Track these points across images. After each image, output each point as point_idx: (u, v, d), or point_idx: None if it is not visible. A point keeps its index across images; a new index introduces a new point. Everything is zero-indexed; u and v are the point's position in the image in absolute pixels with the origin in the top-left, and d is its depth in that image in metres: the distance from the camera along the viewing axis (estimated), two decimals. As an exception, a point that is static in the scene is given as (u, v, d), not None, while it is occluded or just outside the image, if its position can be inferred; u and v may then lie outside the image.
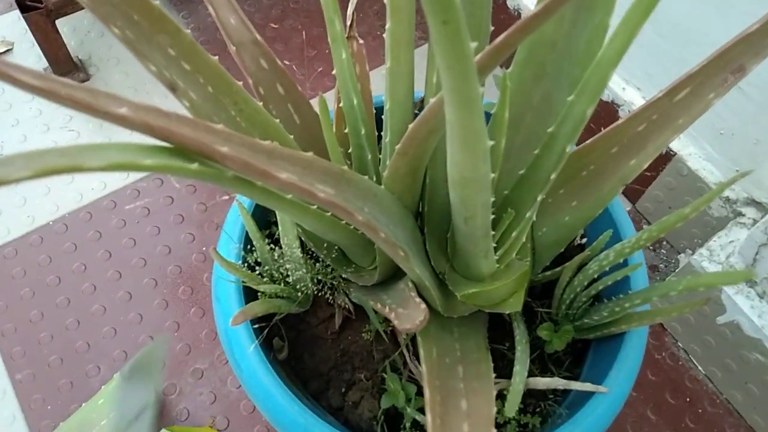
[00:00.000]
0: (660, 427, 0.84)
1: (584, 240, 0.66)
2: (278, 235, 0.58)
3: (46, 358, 0.88)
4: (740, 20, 0.73)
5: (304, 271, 0.54)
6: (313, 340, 0.62)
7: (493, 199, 0.39)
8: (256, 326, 0.55)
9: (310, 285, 0.56)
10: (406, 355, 0.59)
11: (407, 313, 0.40)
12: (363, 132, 0.50)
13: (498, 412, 0.51)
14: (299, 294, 0.57)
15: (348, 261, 0.59)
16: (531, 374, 0.57)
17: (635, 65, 0.89)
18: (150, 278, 0.95)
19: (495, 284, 0.51)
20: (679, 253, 0.94)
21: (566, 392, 0.58)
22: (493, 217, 0.43)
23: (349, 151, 0.53)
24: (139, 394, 0.45)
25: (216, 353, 0.88)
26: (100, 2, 0.36)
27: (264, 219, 0.65)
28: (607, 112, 0.96)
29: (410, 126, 0.39)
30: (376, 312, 0.58)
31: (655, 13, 0.33)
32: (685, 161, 0.85)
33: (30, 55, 1.18)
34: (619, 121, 0.49)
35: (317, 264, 0.61)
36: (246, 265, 0.59)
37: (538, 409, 0.58)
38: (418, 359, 0.59)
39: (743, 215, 0.81)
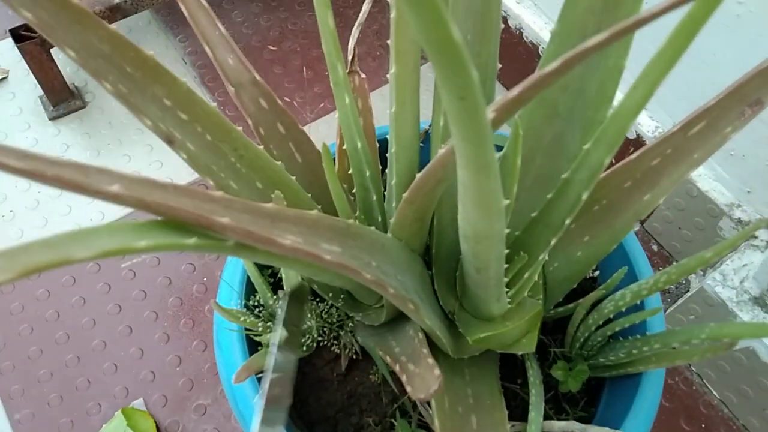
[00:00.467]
0: (676, 456, 0.82)
1: (596, 273, 0.64)
2: (281, 274, 0.56)
3: (46, 397, 0.86)
4: (751, 41, 0.71)
5: (310, 315, 0.53)
6: (319, 382, 0.60)
7: (508, 250, 0.37)
8: (259, 375, 0.54)
9: (315, 332, 0.54)
10: (416, 397, 0.57)
11: (419, 374, 0.38)
12: (368, 174, 0.48)
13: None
14: (304, 338, 0.55)
15: (354, 301, 0.58)
16: (546, 416, 0.55)
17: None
18: (150, 311, 0.93)
19: (507, 326, 0.49)
20: (690, 275, 0.92)
21: (582, 434, 0.56)
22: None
23: (353, 190, 0.51)
24: None
25: (219, 388, 0.86)
26: (90, 56, 0.35)
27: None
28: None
29: (418, 176, 0.38)
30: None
31: (660, 31, 0.31)
32: (694, 182, 0.84)
33: (25, 83, 1.17)
34: (633, 155, 0.47)
35: (321, 304, 0.59)
36: (248, 308, 0.57)
37: (554, 453, 0.56)
38: (428, 401, 0.57)
39: (756, 237, 0.79)
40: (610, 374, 0.55)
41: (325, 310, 0.59)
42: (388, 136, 0.47)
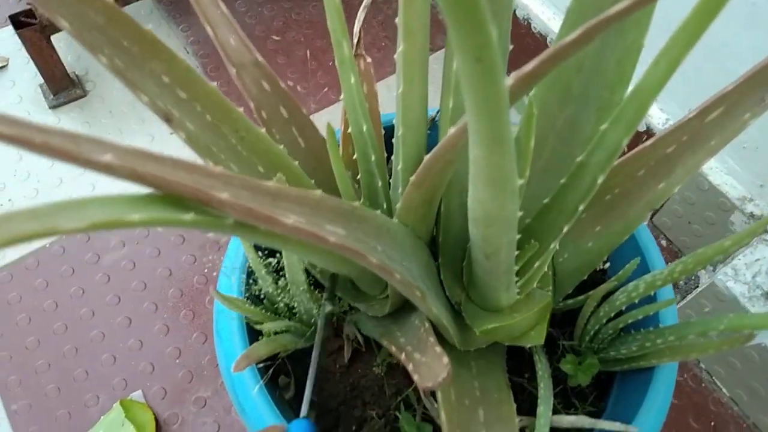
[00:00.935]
0: (684, 454, 0.81)
1: (607, 265, 0.62)
2: (283, 262, 0.55)
3: (44, 387, 0.85)
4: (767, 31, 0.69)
5: (312, 305, 0.51)
6: (321, 374, 0.59)
7: (519, 236, 0.35)
8: (260, 365, 0.52)
9: (317, 319, 0.53)
10: (421, 390, 0.56)
11: (426, 363, 0.36)
12: (373, 159, 0.46)
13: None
14: (306, 328, 0.54)
15: (357, 290, 0.56)
16: (555, 410, 0.54)
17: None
18: (150, 302, 0.92)
19: (515, 318, 0.48)
20: (700, 269, 0.90)
21: (591, 429, 0.55)
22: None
23: (358, 176, 0.50)
24: None
25: (219, 381, 0.85)
26: (84, 28, 0.33)
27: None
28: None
29: (426, 157, 0.36)
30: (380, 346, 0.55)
31: (675, 18, 0.29)
32: (705, 175, 0.82)
33: (25, 71, 1.15)
34: (647, 143, 0.45)
35: (324, 294, 0.57)
36: (249, 297, 0.55)
37: (562, 449, 0.55)
38: (433, 395, 0.55)
39: (768, 232, 0.77)
40: (621, 368, 0.54)
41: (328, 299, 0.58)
42: (394, 122, 0.45)
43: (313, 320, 0.54)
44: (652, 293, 0.48)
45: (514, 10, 1.04)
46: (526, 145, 0.34)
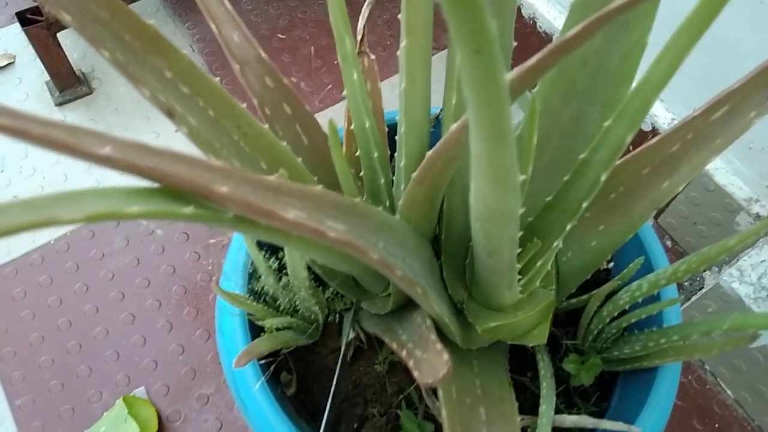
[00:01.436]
0: (688, 456, 0.80)
1: (611, 264, 0.62)
2: (285, 260, 0.55)
3: (47, 383, 0.85)
4: (772, 28, 0.69)
5: (314, 302, 0.51)
6: (323, 371, 0.59)
7: (520, 234, 0.35)
8: (262, 362, 0.52)
9: (320, 316, 0.53)
10: (422, 388, 0.56)
11: (427, 359, 0.36)
12: (376, 155, 0.46)
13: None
14: (308, 325, 0.54)
15: (360, 288, 0.56)
16: (557, 410, 0.54)
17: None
18: (154, 299, 0.92)
19: (518, 316, 0.48)
20: (705, 270, 0.90)
21: (594, 429, 0.55)
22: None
23: (361, 174, 0.50)
24: None
25: (222, 378, 0.85)
26: (86, 21, 0.33)
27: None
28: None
29: (428, 154, 0.36)
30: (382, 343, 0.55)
31: (678, 15, 0.29)
32: (711, 176, 0.82)
33: (32, 69, 1.16)
34: (651, 141, 0.45)
35: (326, 291, 0.57)
36: (251, 294, 0.55)
37: (564, 449, 0.54)
38: (434, 392, 0.55)
39: (774, 232, 0.76)
40: (624, 368, 0.53)
41: (330, 297, 0.58)
42: (397, 119, 0.45)
43: (314, 317, 0.54)
44: (656, 293, 0.47)
45: (520, 9, 1.04)
46: (528, 141, 0.34)
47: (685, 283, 0.91)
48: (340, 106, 1.12)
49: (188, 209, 0.25)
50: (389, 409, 0.57)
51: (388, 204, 0.50)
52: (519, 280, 0.45)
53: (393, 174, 0.51)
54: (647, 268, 0.56)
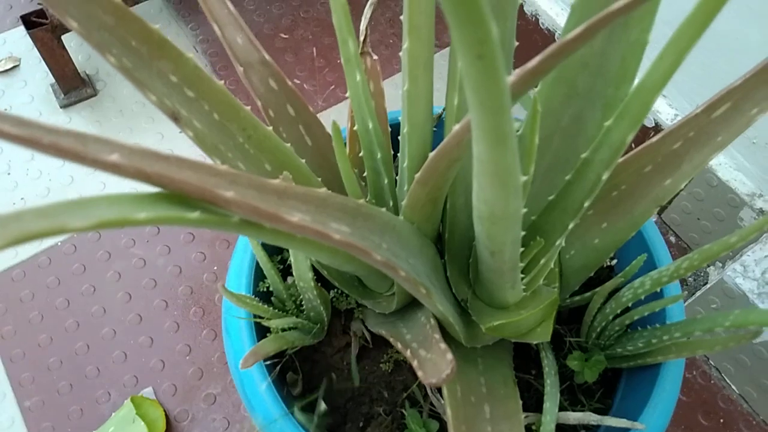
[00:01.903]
0: (693, 451, 0.80)
1: (614, 261, 0.62)
2: (291, 261, 0.55)
3: (56, 384, 0.86)
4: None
5: (319, 302, 0.51)
6: (329, 371, 0.59)
7: (523, 233, 0.36)
8: (268, 362, 0.53)
9: (324, 316, 0.53)
10: (427, 386, 0.56)
11: (431, 359, 0.37)
12: (379, 156, 0.47)
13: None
14: (314, 325, 0.54)
15: (364, 287, 0.56)
16: (561, 407, 0.54)
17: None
18: (160, 299, 0.92)
19: (522, 314, 0.48)
20: (709, 266, 0.90)
21: (598, 426, 0.55)
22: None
23: (364, 174, 0.50)
24: None
25: (229, 378, 0.86)
26: (92, 27, 0.34)
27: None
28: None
29: (431, 155, 0.36)
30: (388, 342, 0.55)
31: (679, 12, 0.29)
32: (714, 171, 0.82)
33: (37, 71, 1.16)
34: (653, 139, 0.45)
35: (331, 291, 0.58)
36: (257, 295, 0.56)
37: (568, 445, 0.55)
38: (439, 391, 0.55)
39: (778, 228, 0.76)
40: (627, 365, 0.53)
41: (335, 297, 0.58)
42: (400, 119, 0.46)
43: (319, 317, 0.54)
44: (659, 290, 0.47)
45: (522, 6, 1.04)
46: (530, 142, 0.34)
47: (689, 279, 0.91)
48: (344, 105, 1.12)
49: (195, 214, 0.26)
50: (395, 408, 0.57)
51: (391, 204, 0.50)
52: (522, 278, 0.46)
53: (396, 174, 0.51)
54: (650, 265, 0.56)
